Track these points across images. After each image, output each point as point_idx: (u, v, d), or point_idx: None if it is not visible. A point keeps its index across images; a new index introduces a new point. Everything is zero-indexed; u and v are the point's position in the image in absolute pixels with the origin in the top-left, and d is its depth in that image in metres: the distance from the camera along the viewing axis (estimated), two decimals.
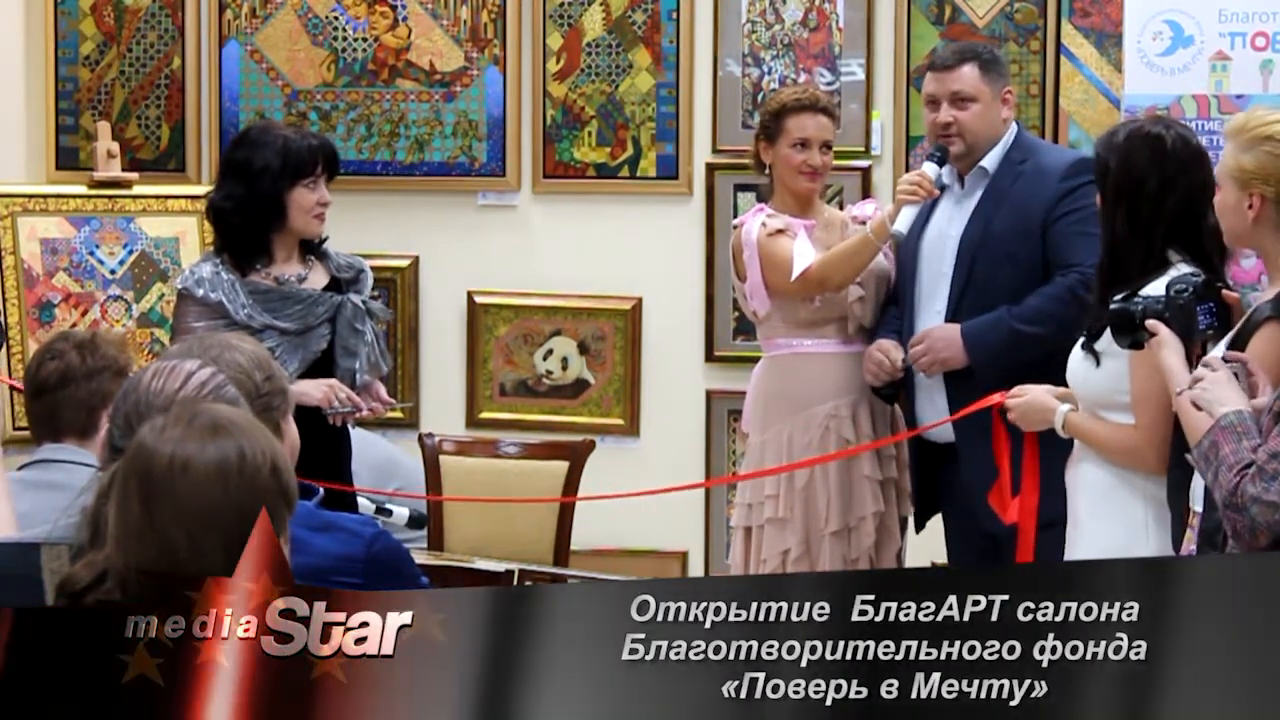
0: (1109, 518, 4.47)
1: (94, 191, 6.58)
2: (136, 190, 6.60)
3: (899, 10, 6.54)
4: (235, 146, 5.46)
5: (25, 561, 3.16)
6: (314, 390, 5.21)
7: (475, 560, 6.07)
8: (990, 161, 5.37)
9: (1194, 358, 4.13)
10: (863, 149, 6.58)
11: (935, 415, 5.37)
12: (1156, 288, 4.24)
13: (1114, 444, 4.48)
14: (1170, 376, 4.09)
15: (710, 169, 6.72)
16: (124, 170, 6.67)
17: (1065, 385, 4.67)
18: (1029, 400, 4.72)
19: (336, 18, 6.93)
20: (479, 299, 6.89)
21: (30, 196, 6.56)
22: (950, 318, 5.36)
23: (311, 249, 5.41)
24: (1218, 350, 3.98)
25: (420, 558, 5.10)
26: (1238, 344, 3.95)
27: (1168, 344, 4.13)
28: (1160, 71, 5.95)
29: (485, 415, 6.90)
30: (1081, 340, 4.52)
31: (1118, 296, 4.30)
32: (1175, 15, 5.95)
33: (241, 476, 2.53)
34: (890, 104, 6.57)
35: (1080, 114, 6.41)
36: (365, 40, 6.93)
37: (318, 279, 5.39)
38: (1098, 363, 4.46)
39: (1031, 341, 5.18)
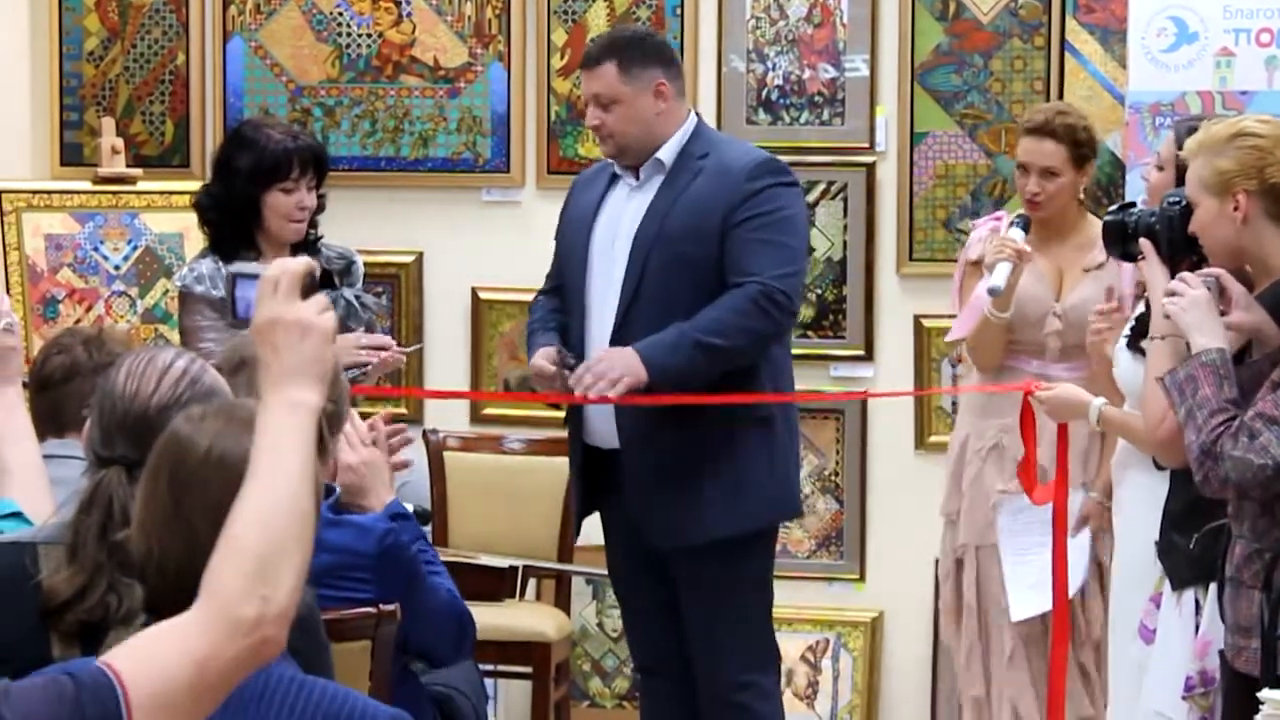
0: (1152, 514, 4.47)
1: (98, 187, 6.58)
2: (141, 186, 6.60)
3: (903, 6, 6.53)
4: (225, 143, 5.51)
5: (19, 562, 3.15)
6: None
7: (480, 556, 6.07)
8: (667, 154, 5.01)
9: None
10: (867, 145, 6.57)
11: (604, 423, 5.02)
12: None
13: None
14: (1154, 298, 4.11)
15: None
16: (128, 166, 6.66)
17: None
18: (1060, 393, 4.77)
19: (341, 14, 6.93)
20: (483, 295, 6.88)
21: (35, 192, 6.56)
22: (619, 324, 4.96)
23: (303, 245, 5.40)
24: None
25: None
26: None
27: (1155, 265, 4.17)
28: (1165, 68, 5.94)
29: (489, 411, 6.89)
30: (1126, 339, 4.54)
31: (1113, 207, 4.39)
32: (1180, 11, 5.95)
33: None
34: (895, 100, 6.55)
35: (1084, 110, 6.39)
36: (369, 36, 6.92)
37: None
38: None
39: (721, 355, 4.85)
